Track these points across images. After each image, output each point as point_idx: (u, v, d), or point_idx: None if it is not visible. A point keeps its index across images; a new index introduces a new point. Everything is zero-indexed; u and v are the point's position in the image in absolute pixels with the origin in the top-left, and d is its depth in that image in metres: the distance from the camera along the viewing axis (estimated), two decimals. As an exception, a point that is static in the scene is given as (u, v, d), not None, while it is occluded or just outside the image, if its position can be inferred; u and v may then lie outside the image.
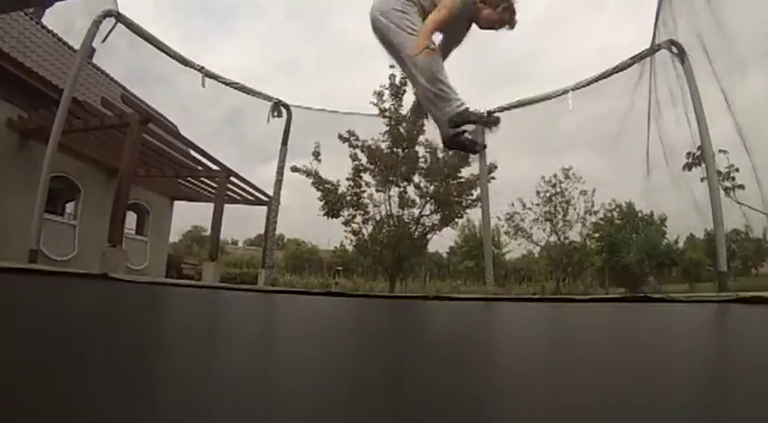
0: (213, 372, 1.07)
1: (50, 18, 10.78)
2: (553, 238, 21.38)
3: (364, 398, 0.91)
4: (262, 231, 18.15)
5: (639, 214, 26.48)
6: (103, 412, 0.72)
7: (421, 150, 12.95)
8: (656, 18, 8.29)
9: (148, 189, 15.61)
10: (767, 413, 0.87)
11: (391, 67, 12.34)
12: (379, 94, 12.80)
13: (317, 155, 12.83)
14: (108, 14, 7.19)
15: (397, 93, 12.60)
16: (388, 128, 12.64)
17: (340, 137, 12.59)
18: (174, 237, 25.77)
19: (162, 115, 12.38)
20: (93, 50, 8.13)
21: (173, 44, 8.14)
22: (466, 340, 2.16)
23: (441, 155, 12.80)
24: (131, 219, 15.59)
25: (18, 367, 1.00)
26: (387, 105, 12.71)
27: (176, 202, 18.64)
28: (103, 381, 0.91)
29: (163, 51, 8.03)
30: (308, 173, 12.90)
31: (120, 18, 7.31)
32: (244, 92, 9.11)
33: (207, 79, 8.44)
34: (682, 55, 7.62)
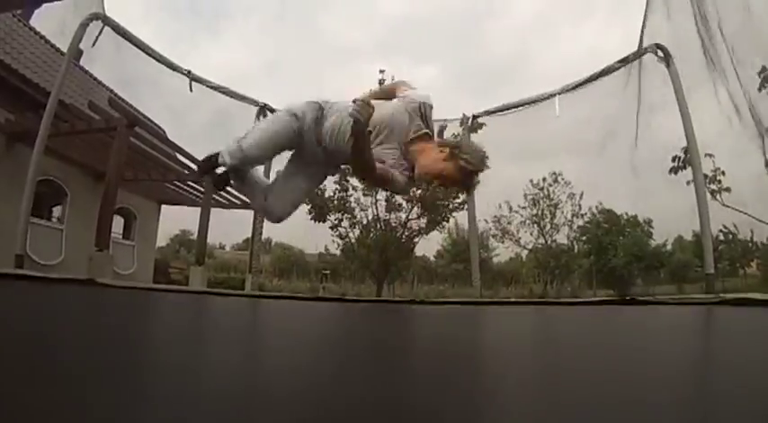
0: (197, 383, 1.06)
1: (38, 20, 10.72)
2: (541, 241, 21.46)
3: (351, 407, 0.91)
4: (249, 235, 18.10)
5: (625, 217, 26.63)
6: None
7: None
8: (644, 22, 8.37)
9: (135, 193, 15.51)
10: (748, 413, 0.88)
11: (381, 71, 12.33)
12: None
13: None
14: (94, 17, 7.17)
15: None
16: None
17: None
18: (162, 241, 25.64)
19: (149, 119, 12.33)
20: (81, 53, 8.09)
21: (160, 46, 8.16)
22: (453, 347, 2.16)
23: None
24: (118, 223, 15.48)
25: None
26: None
27: (164, 206, 18.54)
28: (82, 392, 0.90)
29: (150, 55, 8.02)
30: None
31: (106, 21, 7.29)
32: (230, 96, 9.11)
33: (194, 83, 8.44)
34: (667, 58, 7.69)
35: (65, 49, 11.06)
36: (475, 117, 10.34)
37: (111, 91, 12.28)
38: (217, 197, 14.79)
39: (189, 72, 8.35)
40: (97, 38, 7.22)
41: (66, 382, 0.95)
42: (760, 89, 7.91)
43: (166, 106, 11.51)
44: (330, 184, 13.00)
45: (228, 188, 13.48)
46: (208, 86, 8.72)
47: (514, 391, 1.13)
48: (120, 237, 15.91)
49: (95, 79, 12.65)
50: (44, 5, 7.35)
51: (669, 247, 27.22)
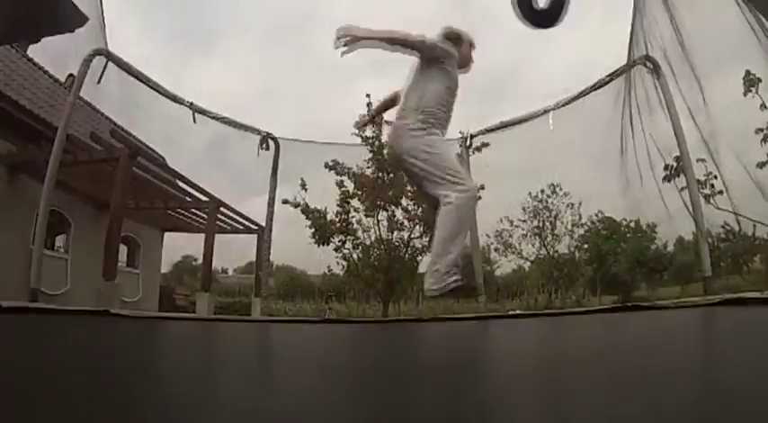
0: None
1: (35, 50, 10.82)
2: (543, 253, 21.52)
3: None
4: (252, 259, 18.16)
5: (624, 223, 26.69)
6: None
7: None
8: (631, 35, 8.52)
9: (139, 221, 15.60)
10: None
11: (367, 95, 12.48)
12: (357, 123, 12.82)
13: (303, 184, 12.82)
14: (98, 53, 7.29)
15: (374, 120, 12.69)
16: (371, 154, 12.74)
17: (326, 165, 12.63)
18: (165, 267, 25.62)
19: (150, 147, 12.43)
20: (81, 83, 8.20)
21: (155, 69, 8.28)
22: (463, 365, 2.23)
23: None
24: (122, 251, 15.52)
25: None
26: (368, 133, 12.79)
27: (166, 233, 18.66)
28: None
29: (153, 88, 8.14)
30: (296, 204, 12.85)
31: (110, 57, 7.42)
32: (233, 126, 9.24)
33: (195, 114, 8.55)
34: (657, 70, 7.84)
35: (62, 78, 11.18)
36: (473, 136, 10.49)
37: (112, 121, 12.40)
38: (220, 223, 14.90)
39: (191, 104, 8.47)
40: (102, 74, 7.35)
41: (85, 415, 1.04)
42: (745, 94, 8.08)
43: (164, 133, 11.62)
44: (332, 207, 13.10)
45: (228, 213, 13.56)
46: (210, 117, 8.84)
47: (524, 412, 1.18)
48: (125, 265, 15.98)
49: (96, 110, 12.76)
50: (43, 39, 7.47)
51: (671, 248, 27.17)
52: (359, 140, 12.69)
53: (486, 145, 10.87)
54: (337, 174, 12.95)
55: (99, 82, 7.40)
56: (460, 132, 10.54)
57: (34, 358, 2.02)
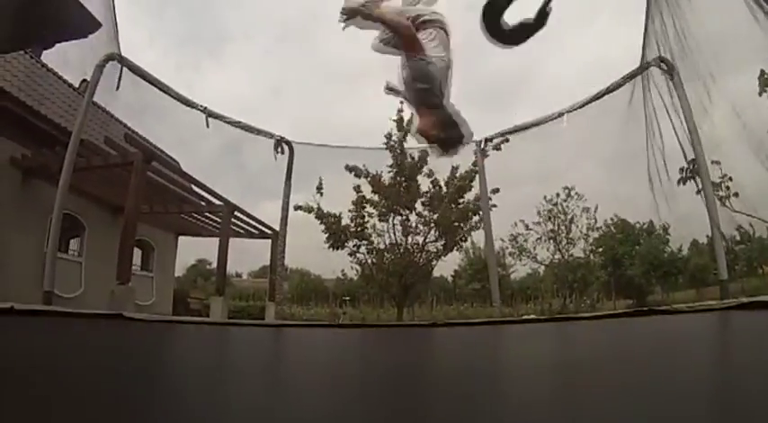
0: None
1: (48, 56, 10.85)
2: (557, 257, 21.40)
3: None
4: (266, 263, 18.17)
5: (638, 226, 26.57)
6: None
7: (424, 183, 13.04)
8: (644, 36, 8.45)
9: (153, 225, 15.65)
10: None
11: (400, 101, 12.54)
12: (388, 135, 12.93)
13: (319, 188, 12.89)
14: (110, 58, 7.31)
15: (401, 126, 12.76)
16: (392, 161, 12.80)
17: (347, 167, 12.68)
18: (179, 271, 25.70)
19: (163, 151, 12.44)
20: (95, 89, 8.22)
21: (166, 72, 8.29)
22: (476, 370, 2.20)
23: (442, 183, 12.96)
24: (136, 255, 15.53)
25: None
26: (394, 141, 12.88)
27: (180, 237, 18.68)
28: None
29: (167, 93, 8.16)
30: (309, 209, 12.89)
31: (123, 61, 7.45)
32: (246, 130, 9.22)
33: (209, 118, 8.54)
34: (671, 71, 7.76)
35: (76, 83, 11.22)
36: (488, 140, 10.43)
37: (126, 126, 12.44)
38: (234, 228, 14.91)
39: (205, 108, 8.47)
40: (119, 81, 7.37)
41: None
42: (761, 94, 7.97)
43: (178, 137, 11.63)
44: (346, 212, 13.13)
45: (243, 217, 13.57)
46: (225, 122, 8.83)
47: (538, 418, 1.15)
48: (139, 268, 16.02)
49: (110, 114, 12.80)
50: (57, 45, 7.48)
51: (685, 252, 26.97)
52: (372, 144, 12.74)
53: (506, 140, 10.69)
54: (356, 176, 12.99)
55: (117, 89, 7.42)
56: (475, 141, 10.47)
57: (47, 360, 2.01)
